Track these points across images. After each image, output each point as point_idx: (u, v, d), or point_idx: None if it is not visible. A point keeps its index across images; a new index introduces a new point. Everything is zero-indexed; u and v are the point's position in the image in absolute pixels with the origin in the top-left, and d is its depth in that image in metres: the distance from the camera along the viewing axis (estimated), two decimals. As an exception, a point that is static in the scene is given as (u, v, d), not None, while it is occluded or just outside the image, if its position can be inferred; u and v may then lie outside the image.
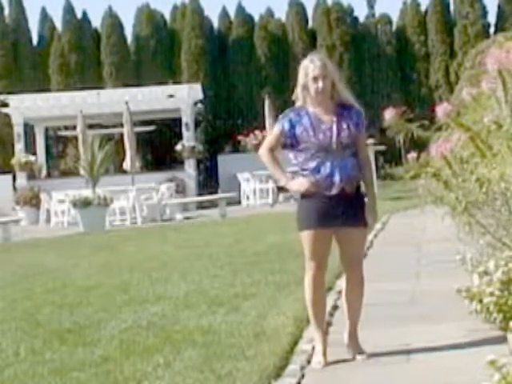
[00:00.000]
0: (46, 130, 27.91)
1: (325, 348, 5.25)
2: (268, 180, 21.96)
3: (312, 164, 5.15)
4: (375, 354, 5.26)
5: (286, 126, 5.22)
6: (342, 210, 5.13)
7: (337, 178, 5.12)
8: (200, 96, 25.99)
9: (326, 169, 5.13)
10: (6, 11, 30.09)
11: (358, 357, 5.23)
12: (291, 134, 5.20)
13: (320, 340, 5.27)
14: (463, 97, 6.94)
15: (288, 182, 5.26)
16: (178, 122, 25.98)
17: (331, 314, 6.39)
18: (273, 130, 5.40)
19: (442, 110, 6.12)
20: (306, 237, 5.19)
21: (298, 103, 5.28)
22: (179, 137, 25.63)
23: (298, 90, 5.24)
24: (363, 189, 5.32)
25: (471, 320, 5.48)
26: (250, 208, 21.65)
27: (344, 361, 5.23)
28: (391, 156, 24.75)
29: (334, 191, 5.11)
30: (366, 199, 5.30)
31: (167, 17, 31.30)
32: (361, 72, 28.56)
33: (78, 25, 30.19)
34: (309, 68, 5.15)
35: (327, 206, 5.13)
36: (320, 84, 5.12)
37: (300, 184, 5.20)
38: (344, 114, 5.21)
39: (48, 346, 6.33)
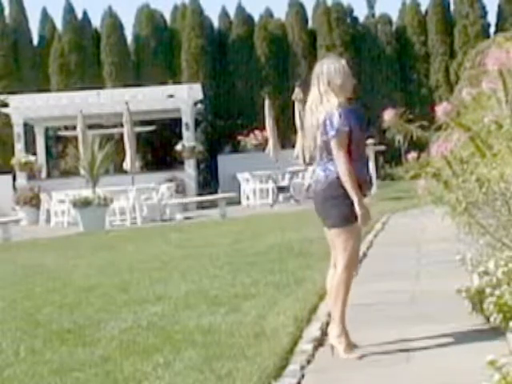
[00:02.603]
0: (46, 130, 27.89)
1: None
2: (268, 180, 21.93)
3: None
4: (375, 354, 5.27)
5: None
6: None
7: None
8: (200, 96, 25.97)
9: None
10: (7, 11, 30.10)
11: (351, 356, 5.26)
12: None
13: (346, 335, 5.39)
14: (463, 97, 6.93)
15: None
16: (178, 122, 25.96)
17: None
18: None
19: (441, 110, 6.11)
20: (353, 230, 5.40)
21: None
22: (179, 137, 25.61)
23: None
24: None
25: (471, 320, 5.49)
26: (250, 208, 21.62)
27: (344, 361, 5.24)
28: (391, 156, 24.76)
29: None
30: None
31: (167, 17, 31.31)
32: (361, 72, 28.52)
33: (78, 25, 30.19)
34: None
35: None
36: None
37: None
38: None
39: (48, 346, 6.33)
